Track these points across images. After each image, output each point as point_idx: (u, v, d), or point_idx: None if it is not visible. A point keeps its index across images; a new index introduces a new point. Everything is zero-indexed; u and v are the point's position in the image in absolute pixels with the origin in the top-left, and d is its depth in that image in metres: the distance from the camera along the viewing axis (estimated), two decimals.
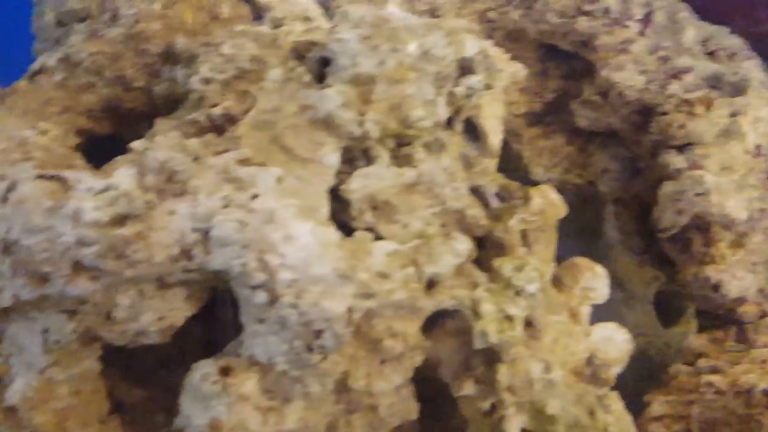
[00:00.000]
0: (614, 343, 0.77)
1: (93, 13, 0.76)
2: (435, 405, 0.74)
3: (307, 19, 0.80)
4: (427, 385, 0.72)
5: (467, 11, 0.85)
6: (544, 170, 0.88)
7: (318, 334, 0.63)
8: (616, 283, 0.93)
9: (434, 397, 0.73)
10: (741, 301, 0.83)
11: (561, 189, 0.88)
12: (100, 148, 0.74)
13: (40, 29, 0.79)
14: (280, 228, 0.63)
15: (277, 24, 0.78)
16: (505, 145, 0.86)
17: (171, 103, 0.74)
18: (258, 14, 0.81)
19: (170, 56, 0.74)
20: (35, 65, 0.77)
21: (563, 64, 0.88)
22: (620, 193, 0.88)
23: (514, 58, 0.85)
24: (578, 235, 0.92)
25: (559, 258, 0.81)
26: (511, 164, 0.88)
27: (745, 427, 0.75)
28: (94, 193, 0.63)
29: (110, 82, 0.75)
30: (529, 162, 0.89)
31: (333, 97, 0.67)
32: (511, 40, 0.87)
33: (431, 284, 0.68)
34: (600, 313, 0.81)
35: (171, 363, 0.70)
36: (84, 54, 0.74)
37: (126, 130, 0.75)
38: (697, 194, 0.80)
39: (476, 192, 0.73)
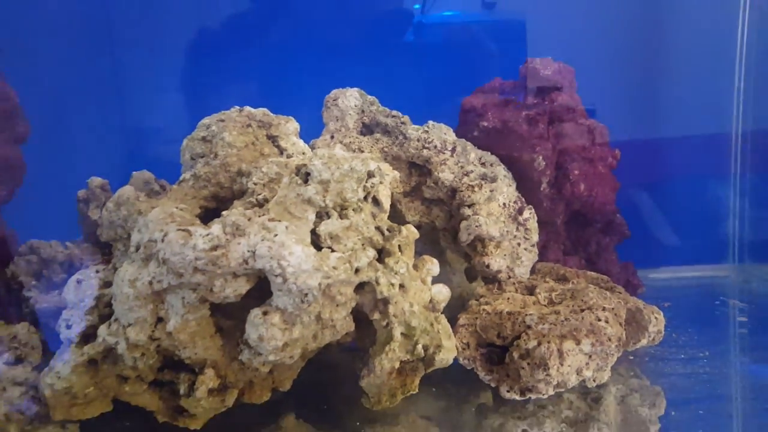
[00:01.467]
0: (442, 292, 0.75)
1: (206, 153, 0.74)
2: (362, 324, 0.72)
3: (303, 153, 0.79)
4: (359, 314, 0.71)
5: (375, 148, 0.83)
6: (411, 217, 0.85)
7: (305, 295, 0.63)
8: (447, 264, 0.91)
9: (361, 320, 0.71)
10: (499, 271, 0.83)
11: (419, 226, 0.86)
12: (210, 215, 0.71)
13: (184, 161, 0.76)
14: (287, 249, 0.62)
15: (288, 156, 0.77)
16: (394, 206, 0.86)
17: (241, 194, 0.72)
18: (281, 152, 0.78)
19: (240, 172, 0.73)
20: (180, 178, 0.74)
21: (419, 170, 0.84)
22: (445, 226, 0.85)
23: (395, 168, 0.83)
24: (430, 245, 0.89)
25: (420, 254, 0.80)
26: (396, 214, 0.85)
27: (499, 328, 0.74)
28: (202, 236, 0.62)
29: (214, 185, 0.73)
30: (404, 213, 0.85)
31: (311, 190, 0.67)
32: (395, 160, 0.83)
33: (357, 271, 0.67)
34: (441, 279, 0.78)
35: (243, 308, 0.66)
36: (202, 172, 0.73)
37: (222, 207, 0.72)
38: (476, 226, 0.79)
39: (378, 229, 0.72)
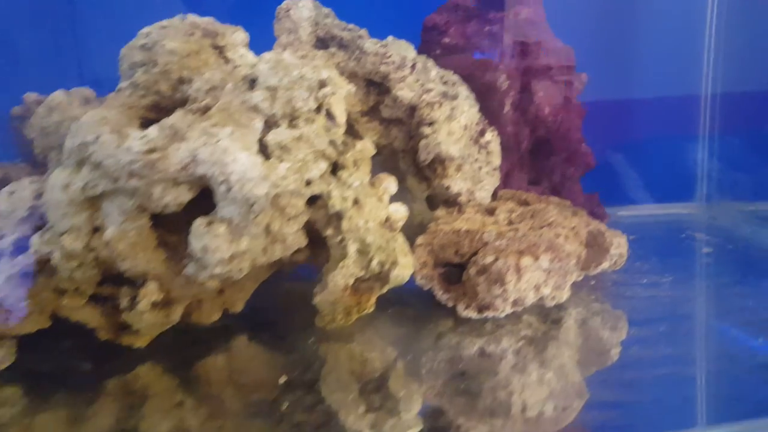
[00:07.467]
0: (399, 211, 0.73)
1: (146, 62, 0.70)
2: (316, 244, 0.70)
3: (253, 66, 0.75)
4: (313, 234, 0.69)
5: (330, 63, 0.80)
6: (369, 138, 0.82)
7: (252, 205, 0.60)
8: (408, 192, 0.89)
9: (316, 240, 0.70)
10: (458, 194, 0.81)
11: (378, 146, 0.84)
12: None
13: (122, 71, 0.71)
14: (230, 155, 0.60)
15: (235, 66, 0.72)
16: (351, 126, 0.82)
17: (183, 104, 0.68)
18: (228, 63, 0.73)
19: (182, 80, 0.69)
20: (118, 87, 0.71)
21: (376, 88, 0.82)
22: (404, 147, 0.83)
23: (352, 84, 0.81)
24: (390, 170, 0.84)
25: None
26: (353, 135, 0.81)
27: (456, 246, 0.74)
28: (138, 138, 0.59)
29: (153, 93, 0.69)
30: (362, 134, 0.82)
31: (258, 96, 0.64)
32: (351, 76, 0.80)
33: (308, 182, 0.65)
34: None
35: (189, 222, 0.63)
36: (141, 80, 0.69)
37: (164, 116, 0.67)
38: (435, 144, 0.77)
39: (332, 142, 0.69)
